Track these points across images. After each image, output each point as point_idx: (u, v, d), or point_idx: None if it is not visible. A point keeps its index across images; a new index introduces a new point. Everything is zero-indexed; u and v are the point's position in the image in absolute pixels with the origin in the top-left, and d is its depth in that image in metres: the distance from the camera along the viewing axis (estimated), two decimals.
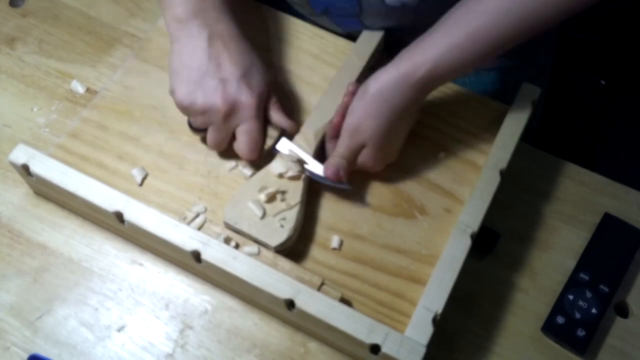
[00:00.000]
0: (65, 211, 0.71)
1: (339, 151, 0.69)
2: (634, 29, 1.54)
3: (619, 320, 0.68)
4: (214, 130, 0.69)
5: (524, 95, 0.74)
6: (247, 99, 0.67)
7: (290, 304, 0.60)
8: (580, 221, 0.73)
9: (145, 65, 0.79)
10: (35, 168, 0.66)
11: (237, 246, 0.66)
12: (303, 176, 0.69)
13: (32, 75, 0.80)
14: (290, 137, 0.71)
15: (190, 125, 0.72)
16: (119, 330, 0.65)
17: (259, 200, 0.67)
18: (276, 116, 0.70)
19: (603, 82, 1.57)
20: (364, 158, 0.69)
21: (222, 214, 0.68)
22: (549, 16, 0.63)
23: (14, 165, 0.67)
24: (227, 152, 0.72)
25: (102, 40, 0.83)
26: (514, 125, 0.71)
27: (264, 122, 0.70)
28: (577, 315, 0.66)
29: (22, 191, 0.72)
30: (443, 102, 0.77)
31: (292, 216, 0.67)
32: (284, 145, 0.70)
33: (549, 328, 0.66)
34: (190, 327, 0.65)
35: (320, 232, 0.69)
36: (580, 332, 0.65)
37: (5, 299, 0.66)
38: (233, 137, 0.70)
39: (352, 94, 0.69)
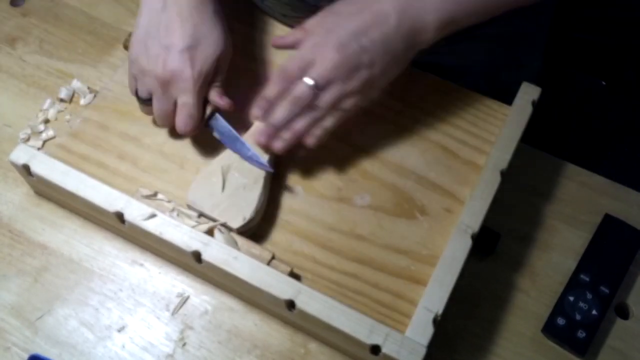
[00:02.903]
0: (66, 211, 0.71)
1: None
2: (634, 29, 1.54)
3: (620, 322, 0.68)
4: (156, 99, 0.68)
5: (524, 95, 0.73)
6: (186, 71, 0.65)
7: (290, 304, 0.60)
8: (580, 222, 0.73)
9: None
10: (35, 168, 0.65)
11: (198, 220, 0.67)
12: (267, 157, 0.69)
13: (33, 75, 0.80)
14: (228, 117, 0.70)
15: (138, 96, 0.71)
16: (119, 331, 0.65)
17: (221, 180, 0.67)
18: (214, 96, 0.69)
19: (603, 82, 1.57)
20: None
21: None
22: None
23: (14, 165, 0.67)
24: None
25: (103, 40, 0.83)
26: (514, 125, 0.71)
27: (204, 98, 0.69)
28: (578, 317, 0.66)
29: (22, 191, 0.72)
30: (443, 102, 0.77)
31: (253, 198, 0.67)
32: (217, 122, 0.70)
33: (550, 329, 0.66)
34: (191, 328, 0.65)
35: (320, 232, 0.69)
36: (581, 334, 0.65)
37: (6, 299, 0.66)
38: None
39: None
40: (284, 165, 0.72)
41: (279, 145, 0.67)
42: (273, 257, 0.65)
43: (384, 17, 0.64)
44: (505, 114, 0.75)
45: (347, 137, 0.75)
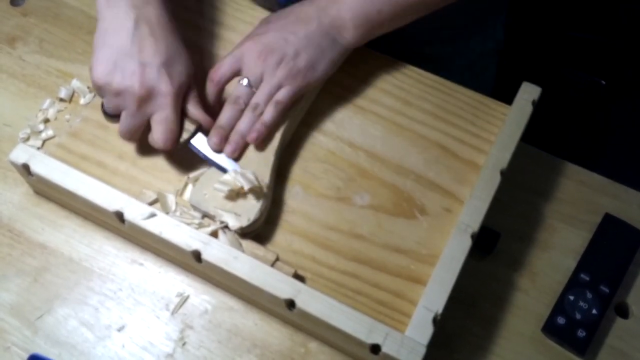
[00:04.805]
0: (65, 211, 0.71)
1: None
2: (634, 29, 1.54)
3: (619, 321, 0.68)
4: (127, 116, 0.68)
5: (524, 95, 0.73)
6: (165, 86, 0.66)
7: (290, 303, 0.60)
8: (580, 221, 0.73)
9: None
10: (35, 167, 0.66)
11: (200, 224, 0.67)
12: (272, 159, 0.70)
13: (33, 74, 0.80)
14: (206, 133, 0.70)
15: (104, 111, 0.70)
16: (119, 330, 0.65)
17: (225, 181, 0.67)
18: (193, 109, 0.70)
19: (603, 82, 1.58)
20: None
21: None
22: None
23: (14, 164, 0.67)
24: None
25: None
26: (514, 125, 0.71)
27: (181, 113, 0.69)
28: (578, 316, 0.66)
29: (22, 190, 0.72)
30: (443, 102, 0.77)
31: (258, 200, 0.67)
32: (200, 141, 0.70)
33: (550, 328, 0.66)
34: (191, 327, 0.65)
35: (320, 232, 0.69)
36: (581, 333, 0.66)
37: (6, 299, 0.66)
38: (147, 129, 0.69)
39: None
40: (283, 165, 0.72)
41: (229, 149, 0.69)
42: (277, 259, 0.65)
43: (306, 18, 0.71)
44: (505, 113, 0.75)
45: (346, 137, 0.75)
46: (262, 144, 0.70)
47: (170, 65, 0.67)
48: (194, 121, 0.70)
